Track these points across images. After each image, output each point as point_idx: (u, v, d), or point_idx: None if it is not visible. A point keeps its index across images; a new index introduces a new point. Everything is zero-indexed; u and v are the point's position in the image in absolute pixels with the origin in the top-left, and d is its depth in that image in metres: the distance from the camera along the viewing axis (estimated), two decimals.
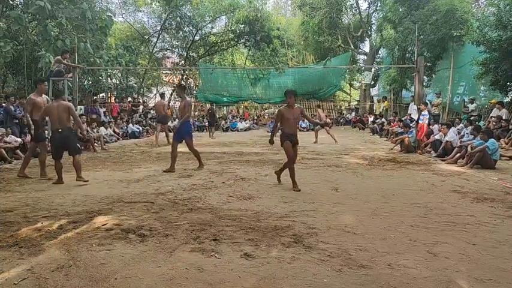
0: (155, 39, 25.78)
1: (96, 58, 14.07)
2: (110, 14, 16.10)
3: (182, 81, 27.06)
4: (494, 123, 10.86)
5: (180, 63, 26.69)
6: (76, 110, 10.90)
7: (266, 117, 24.21)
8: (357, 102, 26.00)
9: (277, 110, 5.97)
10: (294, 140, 5.74)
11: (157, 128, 12.74)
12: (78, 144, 6.08)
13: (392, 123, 14.94)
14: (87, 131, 11.16)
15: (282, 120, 5.71)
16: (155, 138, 12.63)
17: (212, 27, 26.16)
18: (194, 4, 23.69)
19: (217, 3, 23.73)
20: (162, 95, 15.25)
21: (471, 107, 13.55)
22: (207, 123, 19.45)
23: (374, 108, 21.60)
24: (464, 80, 15.93)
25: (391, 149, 10.57)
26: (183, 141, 7.22)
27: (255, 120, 23.15)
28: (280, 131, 5.93)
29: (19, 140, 9.10)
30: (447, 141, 9.03)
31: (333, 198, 5.02)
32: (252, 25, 23.17)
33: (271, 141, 5.86)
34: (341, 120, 23.25)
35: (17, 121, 10.13)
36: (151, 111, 20.94)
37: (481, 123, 11.18)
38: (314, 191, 5.44)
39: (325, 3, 22.44)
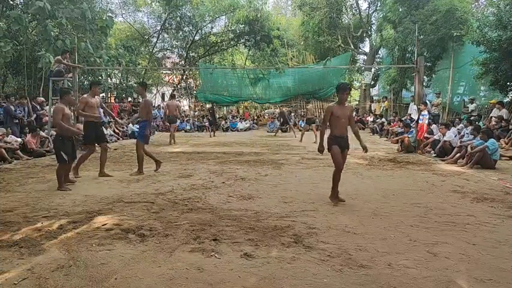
0: (155, 39, 25.80)
1: (96, 58, 14.09)
2: (110, 15, 16.12)
3: (182, 81, 27.10)
4: (494, 123, 10.86)
5: (180, 63, 26.71)
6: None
7: (266, 117, 24.20)
8: (357, 102, 26.00)
9: (326, 107, 5.06)
10: (344, 144, 4.83)
11: (171, 128, 13.42)
12: (63, 153, 5.50)
13: (392, 123, 14.95)
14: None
15: (331, 120, 4.81)
16: (170, 137, 13.10)
17: (212, 27, 26.19)
18: (194, 4, 23.70)
19: (217, 3, 23.74)
20: (173, 96, 15.76)
21: (471, 107, 13.55)
22: (207, 123, 19.47)
23: (372, 108, 21.61)
24: (464, 80, 15.93)
25: (397, 150, 10.52)
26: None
27: (255, 120, 23.15)
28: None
29: (19, 140, 9.10)
30: (445, 141, 9.04)
31: None
32: (252, 25, 23.18)
33: (321, 149, 4.95)
34: None
35: (17, 121, 10.13)
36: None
37: (481, 123, 11.19)
38: (314, 191, 5.44)
39: (325, 3, 22.43)
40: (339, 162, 4.76)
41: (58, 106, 5.66)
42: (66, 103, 5.80)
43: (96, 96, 6.86)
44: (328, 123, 4.89)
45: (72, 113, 6.00)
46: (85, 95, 6.77)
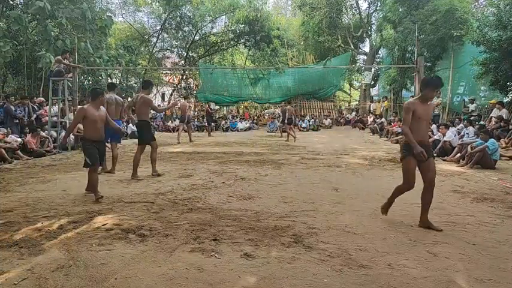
0: (155, 39, 25.81)
1: (96, 58, 14.11)
2: (110, 14, 16.14)
3: (182, 81, 27.11)
4: (494, 122, 10.86)
5: (180, 63, 26.72)
6: (76, 110, 10.96)
7: (266, 117, 24.21)
8: (357, 102, 26.02)
9: (405, 103, 4.00)
10: (427, 152, 3.75)
11: (181, 127, 14.12)
12: (87, 158, 5.06)
13: (392, 123, 14.96)
14: None
15: (411, 120, 3.79)
16: (178, 136, 13.66)
17: (212, 27, 26.21)
18: (194, 4, 23.71)
19: (217, 3, 23.76)
20: (186, 97, 16.30)
21: (471, 107, 13.56)
22: (206, 123, 19.51)
23: (371, 108, 21.63)
24: (464, 80, 15.95)
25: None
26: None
27: (255, 120, 23.16)
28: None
29: (19, 140, 9.10)
30: (445, 141, 9.06)
31: (333, 198, 5.02)
32: (252, 25, 23.19)
33: (419, 151, 3.72)
34: (341, 120, 23.26)
35: (17, 121, 10.13)
36: (152, 111, 20.96)
37: (482, 123, 11.19)
38: (314, 191, 5.44)
39: (325, 3, 22.46)
40: (410, 180, 3.83)
41: (81, 109, 5.21)
42: (98, 105, 5.22)
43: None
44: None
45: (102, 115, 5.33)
46: (143, 94, 6.64)
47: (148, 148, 6.71)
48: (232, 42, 26.32)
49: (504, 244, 3.35)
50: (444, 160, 8.63)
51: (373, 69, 23.79)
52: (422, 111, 3.76)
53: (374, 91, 25.93)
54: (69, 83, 10.82)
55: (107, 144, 6.03)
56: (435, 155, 9.34)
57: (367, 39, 24.94)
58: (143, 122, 6.57)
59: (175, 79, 28.13)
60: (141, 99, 6.52)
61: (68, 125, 10.67)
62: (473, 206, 4.67)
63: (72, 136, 10.78)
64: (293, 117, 15.64)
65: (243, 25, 23.57)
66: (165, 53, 28.35)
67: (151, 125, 6.88)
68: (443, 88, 16.29)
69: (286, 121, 14.64)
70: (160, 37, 25.90)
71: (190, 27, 24.94)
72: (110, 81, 19.93)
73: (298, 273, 2.74)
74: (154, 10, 25.65)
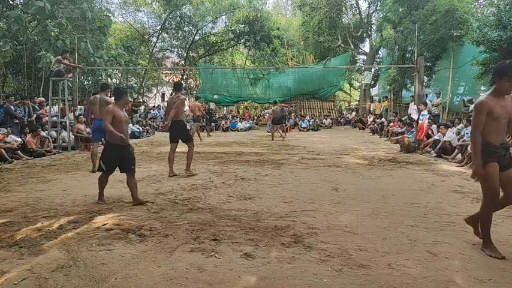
0: (155, 39, 25.83)
1: (96, 58, 14.12)
2: (108, 14, 16.16)
3: (182, 81, 27.10)
4: None
5: (180, 63, 26.74)
6: (76, 110, 10.97)
7: (266, 117, 24.21)
8: (357, 102, 26.02)
9: (475, 103, 3.32)
10: (508, 159, 3.14)
11: (195, 127, 14.54)
12: (101, 162, 4.79)
13: (392, 123, 14.96)
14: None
15: (485, 121, 3.14)
16: (197, 135, 14.19)
17: (212, 27, 26.25)
18: (194, 4, 23.74)
19: (217, 3, 23.79)
20: (197, 98, 16.63)
21: (471, 107, 13.54)
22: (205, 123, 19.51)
23: (371, 108, 21.64)
24: (464, 80, 15.93)
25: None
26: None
27: (255, 120, 23.16)
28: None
29: (19, 140, 9.10)
30: (445, 141, 9.08)
31: (333, 198, 5.02)
32: (252, 25, 23.23)
33: (479, 171, 3.11)
34: (341, 120, 23.27)
35: (17, 121, 10.13)
36: (151, 111, 21.01)
37: None
38: (314, 191, 5.44)
39: (325, 3, 22.49)
40: (494, 190, 3.09)
41: (109, 108, 4.81)
42: (123, 105, 4.95)
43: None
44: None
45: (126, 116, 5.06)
46: (182, 97, 6.82)
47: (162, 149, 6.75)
48: (232, 42, 26.36)
49: (504, 244, 3.35)
50: (445, 159, 8.64)
51: (373, 69, 23.81)
52: (500, 109, 3.08)
53: (374, 91, 25.93)
54: (69, 83, 10.82)
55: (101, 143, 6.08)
56: (434, 155, 9.37)
57: (367, 39, 24.96)
58: (179, 121, 6.77)
59: (175, 79, 28.16)
60: (177, 99, 6.70)
61: (68, 125, 10.69)
62: (473, 206, 4.66)
63: (72, 136, 10.80)
64: (284, 116, 15.79)
65: (243, 25, 23.60)
66: (165, 53, 28.38)
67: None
68: (443, 88, 16.36)
69: (271, 121, 14.88)
70: (160, 37, 25.94)
71: (190, 27, 24.99)
72: (109, 81, 19.98)
73: (298, 273, 2.74)
74: (154, 10, 25.68)
